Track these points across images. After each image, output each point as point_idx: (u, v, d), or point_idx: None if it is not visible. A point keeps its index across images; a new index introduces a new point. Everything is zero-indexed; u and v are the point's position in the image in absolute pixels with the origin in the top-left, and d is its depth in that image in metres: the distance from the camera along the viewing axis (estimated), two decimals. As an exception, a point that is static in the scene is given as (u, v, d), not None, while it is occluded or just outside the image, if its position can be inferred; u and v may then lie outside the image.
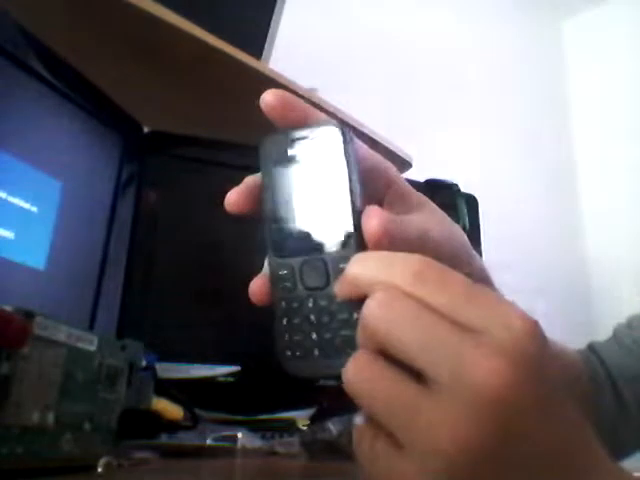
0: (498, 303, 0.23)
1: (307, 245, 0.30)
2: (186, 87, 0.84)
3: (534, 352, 0.22)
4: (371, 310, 0.24)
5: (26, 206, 0.55)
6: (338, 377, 0.29)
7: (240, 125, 0.91)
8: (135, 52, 0.75)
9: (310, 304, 0.30)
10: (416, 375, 0.23)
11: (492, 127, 2.07)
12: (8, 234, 0.52)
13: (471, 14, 2.10)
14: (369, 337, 0.25)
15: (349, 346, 0.29)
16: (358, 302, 0.28)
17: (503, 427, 0.21)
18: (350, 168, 0.30)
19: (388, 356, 0.24)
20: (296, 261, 0.30)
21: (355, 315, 0.29)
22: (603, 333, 0.52)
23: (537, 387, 0.22)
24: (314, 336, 0.30)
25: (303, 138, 0.31)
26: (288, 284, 0.30)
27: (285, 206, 0.31)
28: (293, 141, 0.31)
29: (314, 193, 0.31)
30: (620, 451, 0.46)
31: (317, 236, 0.30)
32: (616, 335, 0.50)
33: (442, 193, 0.93)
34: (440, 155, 1.66)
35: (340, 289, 0.28)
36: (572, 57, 2.56)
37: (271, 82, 0.82)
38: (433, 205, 0.34)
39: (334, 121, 0.32)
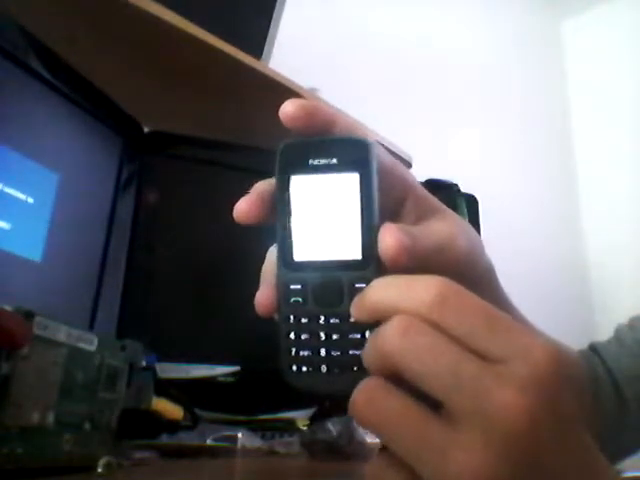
0: (520, 333, 0.23)
1: (322, 261, 0.29)
2: (186, 87, 0.84)
3: (555, 386, 0.22)
4: (388, 335, 0.24)
5: (22, 197, 0.54)
6: (343, 394, 0.28)
7: (240, 125, 0.92)
8: (135, 52, 0.75)
9: (321, 321, 0.29)
10: (429, 399, 0.23)
11: (492, 127, 2.07)
12: (4, 225, 0.52)
13: (471, 14, 2.10)
14: (381, 361, 0.24)
15: (357, 365, 0.28)
16: (372, 324, 0.27)
17: (524, 462, 0.21)
18: (374, 185, 0.29)
19: (399, 379, 0.24)
20: (310, 276, 0.29)
21: (368, 335, 0.28)
22: (603, 333, 0.52)
23: (557, 421, 0.22)
24: (323, 353, 0.29)
25: (328, 148, 0.30)
26: (299, 299, 0.29)
27: (301, 218, 0.30)
28: (316, 150, 0.30)
29: (334, 207, 0.29)
30: (622, 451, 0.46)
31: (333, 252, 0.29)
32: (617, 335, 0.50)
33: (442, 193, 0.93)
34: (440, 155, 1.66)
35: (358, 312, 0.27)
36: (572, 57, 2.56)
37: (271, 82, 0.82)
38: (451, 211, 0.33)
39: (363, 134, 0.30)
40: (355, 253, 0.29)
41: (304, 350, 0.29)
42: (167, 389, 0.45)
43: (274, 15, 0.95)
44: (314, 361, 0.29)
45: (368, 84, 1.60)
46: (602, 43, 2.44)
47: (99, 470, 0.33)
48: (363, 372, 0.28)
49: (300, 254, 0.30)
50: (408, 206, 0.32)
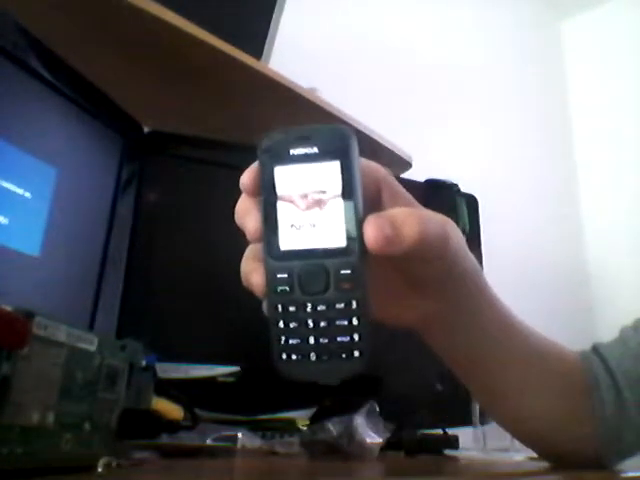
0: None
1: (307, 249, 0.30)
2: (186, 87, 0.84)
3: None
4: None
5: (20, 192, 0.54)
6: (333, 381, 0.29)
7: (240, 125, 0.91)
8: (135, 52, 0.75)
9: (308, 309, 0.29)
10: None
11: (492, 127, 2.07)
12: (2, 219, 0.52)
13: (470, 14, 2.10)
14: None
15: (346, 352, 0.29)
16: (356, 308, 0.28)
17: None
18: (356, 171, 0.30)
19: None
20: (295, 265, 0.30)
21: (355, 322, 0.29)
22: (603, 335, 0.52)
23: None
24: (311, 341, 0.29)
25: (308, 138, 0.30)
26: (286, 288, 0.30)
27: (286, 207, 0.30)
28: (297, 141, 0.30)
29: (317, 195, 0.30)
30: (622, 452, 0.46)
31: (318, 240, 0.30)
32: (622, 337, 0.50)
33: (442, 193, 0.93)
34: (440, 155, 1.66)
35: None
36: (571, 57, 2.55)
37: (271, 82, 0.82)
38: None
39: (342, 124, 0.31)
40: (339, 240, 0.29)
41: (293, 338, 0.30)
42: (167, 389, 0.45)
43: (274, 15, 0.95)
44: (303, 349, 0.29)
45: (368, 84, 1.60)
46: (602, 43, 2.44)
47: (99, 470, 0.32)
48: (351, 359, 0.29)
49: (286, 243, 0.30)
50: (385, 197, 0.33)
